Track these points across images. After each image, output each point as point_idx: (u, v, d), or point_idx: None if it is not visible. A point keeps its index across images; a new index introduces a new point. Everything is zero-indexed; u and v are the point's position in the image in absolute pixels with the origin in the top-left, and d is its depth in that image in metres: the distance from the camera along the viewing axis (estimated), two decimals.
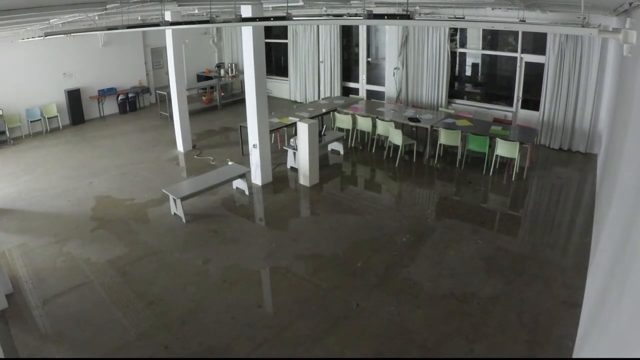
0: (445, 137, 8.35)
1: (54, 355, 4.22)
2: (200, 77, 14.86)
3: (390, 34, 11.24)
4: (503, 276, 5.19)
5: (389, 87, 11.59)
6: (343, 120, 9.68)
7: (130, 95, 13.08)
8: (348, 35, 12.78)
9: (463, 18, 6.28)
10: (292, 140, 8.33)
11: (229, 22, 4.23)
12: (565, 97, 8.75)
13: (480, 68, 10.97)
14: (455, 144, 8.30)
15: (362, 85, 12.54)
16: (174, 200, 6.72)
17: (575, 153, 8.95)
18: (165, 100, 11.93)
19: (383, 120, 9.09)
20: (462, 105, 10.52)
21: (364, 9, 4.66)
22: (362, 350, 4.20)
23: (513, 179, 7.78)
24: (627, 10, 4.92)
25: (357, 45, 12.45)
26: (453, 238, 6.06)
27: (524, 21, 6.98)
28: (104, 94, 12.61)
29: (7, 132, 10.64)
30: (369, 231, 6.32)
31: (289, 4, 4.44)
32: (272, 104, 9.70)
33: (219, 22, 4.68)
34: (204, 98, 13.15)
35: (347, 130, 9.73)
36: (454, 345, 4.20)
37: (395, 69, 11.20)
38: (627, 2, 3.92)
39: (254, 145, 7.69)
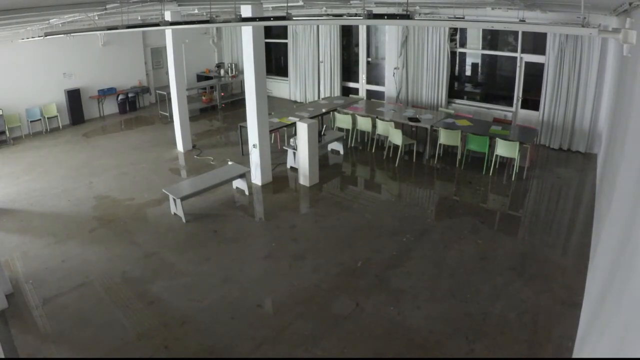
0: (445, 137, 8.35)
1: (54, 355, 4.22)
2: (200, 77, 14.85)
3: (390, 34, 11.24)
4: (503, 276, 5.20)
5: (389, 87, 11.59)
6: (343, 120, 9.68)
7: (130, 95, 13.08)
8: (348, 35, 12.78)
9: (463, 18, 6.27)
10: (292, 140, 8.32)
11: (229, 22, 4.22)
12: (565, 97, 8.75)
13: (480, 68, 10.97)
14: (455, 144, 8.30)
15: (362, 85, 12.54)
16: (174, 200, 6.72)
17: (575, 153, 8.95)
18: (165, 100, 11.93)
19: (383, 120, 9.08)
20: (462, 105, 10.52)
21: (364, 9, 4.66)
22: (362, 350, 4.20)
23: (513, 179, 7.78)
24: (627, 10, 4.92)
25: (357, 45, 12.45)
26: (453, 238, 6.06)
27: (524, 21, 6.96)
28: (104, 93, 12.61)
29: (7, 132, 10.64)
30: (369, 231, 6.32)
31: (289, 4, 4.44)
32: (272, 104, 9.71)
33: (219, 22, 4.67)
34: (204, 98, 13.15)
35: (347, 130, 9.73)
36: (454, 345, 4.21)
37: (395, 69, 11.20)
38: (627, 2, 3.91)
39: (254, 145, 7.69)
